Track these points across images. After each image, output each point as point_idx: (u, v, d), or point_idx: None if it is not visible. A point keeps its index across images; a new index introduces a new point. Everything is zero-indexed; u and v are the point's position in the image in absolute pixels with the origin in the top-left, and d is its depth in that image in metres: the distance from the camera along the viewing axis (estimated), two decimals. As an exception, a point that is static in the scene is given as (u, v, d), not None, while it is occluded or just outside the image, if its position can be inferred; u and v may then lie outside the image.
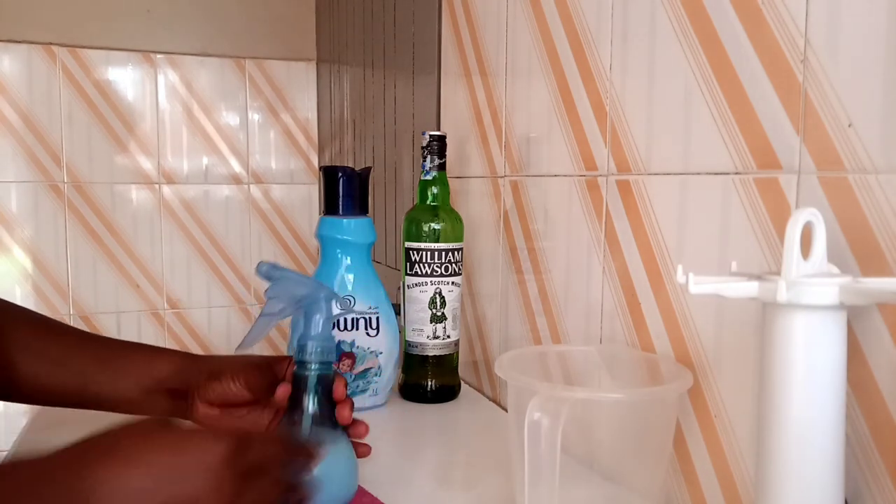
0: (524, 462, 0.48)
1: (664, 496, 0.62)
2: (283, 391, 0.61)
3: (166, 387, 0.66)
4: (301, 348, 0.61)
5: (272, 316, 0.62)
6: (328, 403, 0.61)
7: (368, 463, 0.72)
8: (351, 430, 0.64)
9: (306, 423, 0.59)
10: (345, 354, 0.87)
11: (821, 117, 0.48)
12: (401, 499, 0.64)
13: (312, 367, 0.60)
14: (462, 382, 0.97)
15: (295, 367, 0.61)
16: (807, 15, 0.49)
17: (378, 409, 0.89)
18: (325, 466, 0.57)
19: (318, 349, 0.60)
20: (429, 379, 0.92)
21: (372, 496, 0.63)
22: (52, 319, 0.71)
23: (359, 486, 0.65)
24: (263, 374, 0.65)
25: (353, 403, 0.63)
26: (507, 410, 0.70)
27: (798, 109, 0.50)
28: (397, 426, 0.86)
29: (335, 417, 0.61)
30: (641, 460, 0.57)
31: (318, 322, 0.61)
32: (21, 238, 1.71)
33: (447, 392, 0.93)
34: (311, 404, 0.60)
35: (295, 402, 0.60)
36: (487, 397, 0.96)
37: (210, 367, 0.66)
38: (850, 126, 0.46)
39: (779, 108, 0.51)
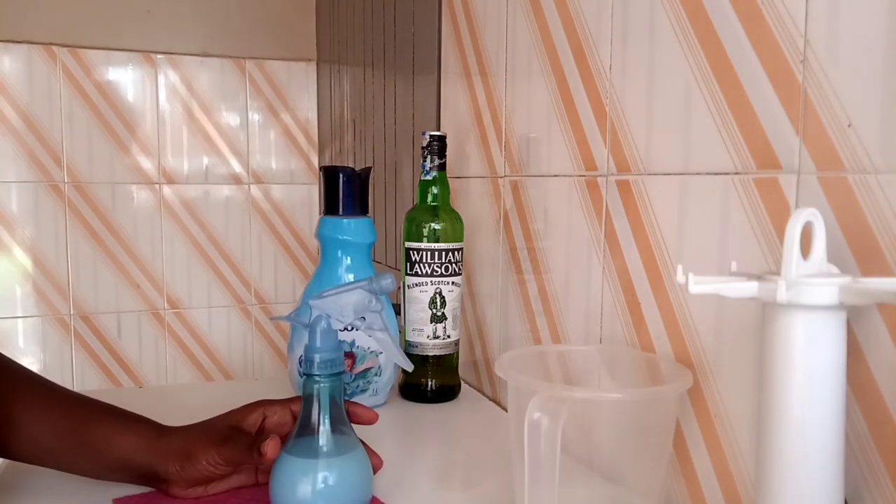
0: (524, 462, 0.48)
1: (664, 496, 0.62)
2: (271, 447, 0.57)
3: (131, 466, 0.63)
4: (309, 362, 0.59)
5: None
6: (340, 413, 0.60)
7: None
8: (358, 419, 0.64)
9: (322, 438, 0.58)
10: (345, 354, 0.87)
11: (820, 117, 0.48)
12: (401, 499, 0.64)
13: (322, 380, 0.59)
14: (462, 382, 0.97)
15: (304, 380, 0.60)
16: (807, 15, 0.49)
17: (378, 409, 0.89)
18: (340, 475, 0.58)
19: (327, 362, 0.59)
20: (429, 379, 0.92)
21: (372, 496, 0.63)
22: (49, 381, 0.67)
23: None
24: (236, 442, 0.61)
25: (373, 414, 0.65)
26: (507, 410, 0.70)
27: (798, 110, 0.50)
28: (397, 426, 0.86)
29: (348, 425, 0.60)
30: (641, 460, 0.57)
31: (324, 334, 0.60)
32: (21, 238, 1.71)
33: (447, 392, 0.93)
34: (324, 419, 0.59)
35: (306, 417, 0.59)
36: (487, 397, 0.96)
37: (178, 449, 0.62)
38: (849, 126, 0.46)
39: (778, 108, 0.51)
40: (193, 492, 0.63)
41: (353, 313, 0.67)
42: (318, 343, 0.59)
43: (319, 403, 0.59)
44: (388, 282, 0.69)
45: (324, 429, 0.59)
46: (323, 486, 0.57)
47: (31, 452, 0.63)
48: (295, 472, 0.57)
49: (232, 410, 0.65)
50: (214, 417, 0.65)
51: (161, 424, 0.65)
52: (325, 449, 0.58)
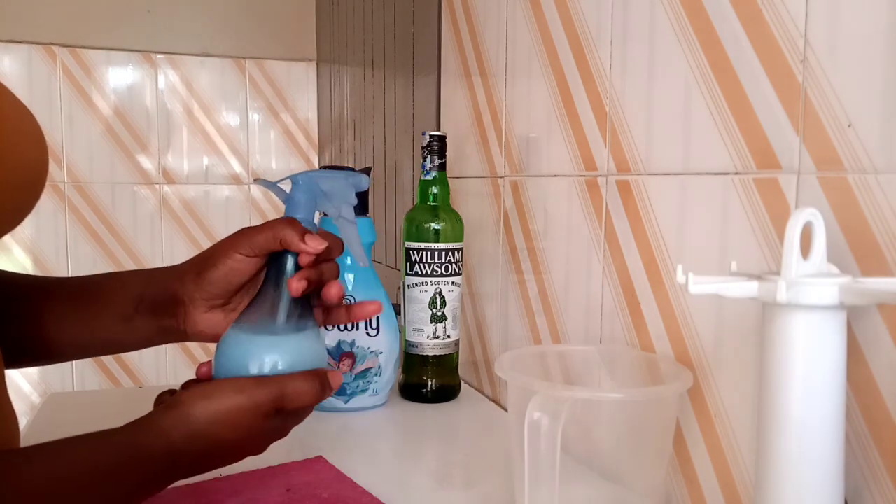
0: (524, 462, 0.48)
1: (664, 496, 0.62)
2: (315, 244, 0.53)
3: (148, 303, 0.59)
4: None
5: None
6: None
7: (369, 462, 0.72)
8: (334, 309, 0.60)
9: (282, 309, 0.54)
10: (345, 354, 0.87)
11: (820, 117, 0.48)
12: (401, 499, 0.64)
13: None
14: (462, 382, 0.97)
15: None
16: (807, 15, 0.49)
17: (378, 409, 0.89)
18: (293, 356, 0.53)
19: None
20: (429, 379, 0.92)
21: (371, 496, 0.63)
22: (59, 280, 0.63)
23: (361, 488, 0.65)
24: (264, 234, 0.56)
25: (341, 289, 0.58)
26: (507, 410, 0.70)
27: (798, 109, 0.50)
28: (397, 426, 0.86)
29: (309, 306, 0.56)
30: (641, 460, 0.57)
31: (305, 203, 0.56)
32: (21, 238, 1.71)
33: (447, 392, 0.93)
34: (285, 292, 0.54)
35: (269, 283, 0.55)
36: (487, 397, 0.96)
37: (194, 262, 0.58)
38: (849, 126, 0.46)
39: (778, 108, 0.51)
40: (212, 317, 0.59)
41: (329, 201, 0.62)
42: (299, 203, 0.56)
43: (286, 275, 0.55)
44: (364, 179, 0.64)
45: (283, 303, 0.54)
46: (270, 368, 0.52)
47: (73, 344, 0.61)
48: (245, 348, 0.53)
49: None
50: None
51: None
52: (280, 325, 0.54)
